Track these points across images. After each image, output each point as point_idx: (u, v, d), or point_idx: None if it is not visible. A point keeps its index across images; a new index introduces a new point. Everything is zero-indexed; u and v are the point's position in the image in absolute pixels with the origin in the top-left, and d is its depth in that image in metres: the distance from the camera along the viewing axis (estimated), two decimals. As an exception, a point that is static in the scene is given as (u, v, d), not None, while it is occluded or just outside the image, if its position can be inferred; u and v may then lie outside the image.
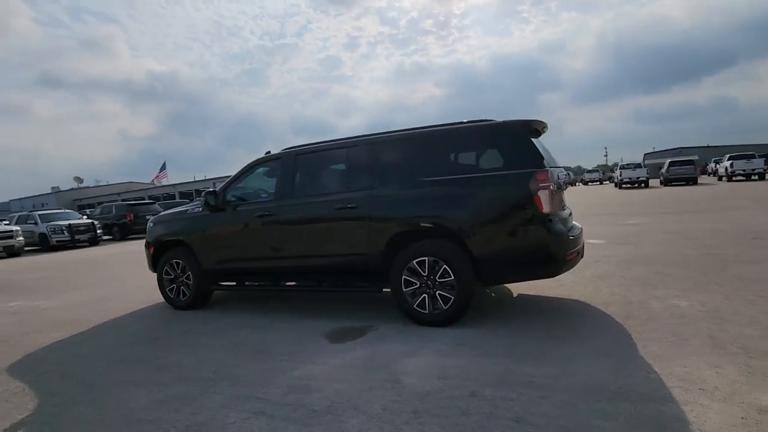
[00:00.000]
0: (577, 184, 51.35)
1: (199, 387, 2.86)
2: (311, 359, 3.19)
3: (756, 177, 25.08)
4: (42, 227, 16.42)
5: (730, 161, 25.71)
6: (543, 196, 3.35)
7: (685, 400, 2.22)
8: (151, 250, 5.23)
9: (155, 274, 5.21)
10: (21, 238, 15.30)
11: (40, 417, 2.63)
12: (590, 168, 62.08)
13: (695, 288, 4.21)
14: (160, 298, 5.26)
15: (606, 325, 3.41)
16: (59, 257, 13.25)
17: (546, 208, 3.36)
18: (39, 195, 65.62)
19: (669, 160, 27.10)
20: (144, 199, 35.01)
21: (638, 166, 27.77)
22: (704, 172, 39.09)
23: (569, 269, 3.68)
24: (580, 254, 3.82)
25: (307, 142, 4.73)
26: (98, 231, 17.36)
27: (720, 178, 28.28)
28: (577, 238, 3.71)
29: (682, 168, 25.69)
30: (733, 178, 25.51)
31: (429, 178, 3.72)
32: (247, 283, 4.84)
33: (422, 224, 3.68)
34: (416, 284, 3.70)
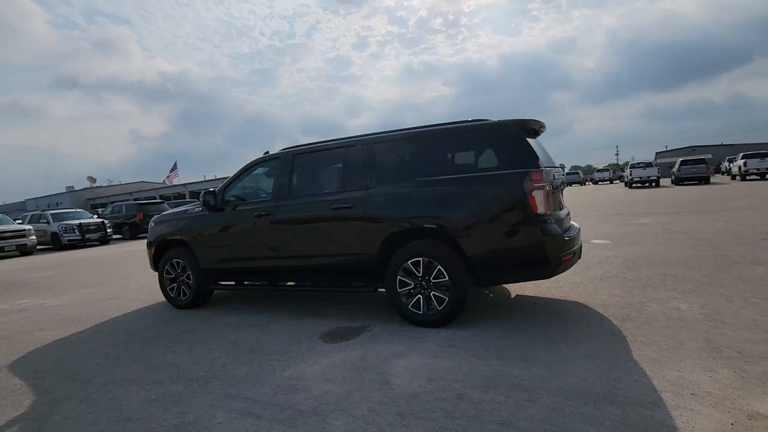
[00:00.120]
0: (586, 183, 50.76)
1: (191, 386, 2.89)
2: (304, 359, 3.20)
3: (771, 176, 24.57)
4: (54, 226, 16.72)
5: (744, 160, 25.21)
6: (537, 196, 3.31)
7: (675, 405, 2.18)
8: (153, 250, 5.29)
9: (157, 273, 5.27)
10: (33, 237, 15.59)
11: (32, 414, 2.67)
12: (601, 167, 61.27)
13: (697, 290, 4.13)
14: (163, 297, 5.32)
15: (602, 327, 3.36)
16: (69, 256, 13.47)
17: (540, 209, 3.32)
18: (54, 194, 66.89)
19: (680, 159, 26.65)
20: (155, 198, 35.49)
21: (649, 165, 27.34)
22: (718, 171, 38.40)
23: (565, 270, 3.63)
24: (576, 255, 3.77)
25: (314, 141, 4.73)
26: (108, 230, 17.63)
27: (733, 177, 27.74)
28: (574, 239, 3.66)
29: (694, 167, 25.24)
30: (747, 178, 25.01)
31: (424, 178, 3.70)
32: (246, 282, 4.87)
33: (416, 224, 3.67)
34: (411, 285, 3.69)
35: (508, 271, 3.52)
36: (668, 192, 20.22)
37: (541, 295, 4.41)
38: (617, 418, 2.11)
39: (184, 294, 5.01)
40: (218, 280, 4.90)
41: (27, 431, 2.49)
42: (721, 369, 2.52)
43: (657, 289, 4.25)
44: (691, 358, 2.70)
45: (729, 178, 29.37)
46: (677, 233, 7.59)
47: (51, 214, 17.67)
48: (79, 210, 20.46)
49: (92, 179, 63.37)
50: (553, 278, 4.63)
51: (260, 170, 4.86)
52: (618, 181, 46.49)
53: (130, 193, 56.35)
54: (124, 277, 7.90)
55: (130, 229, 19.44)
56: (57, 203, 57.72)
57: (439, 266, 3.53)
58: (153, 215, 6.64)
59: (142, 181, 67.52)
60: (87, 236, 16.81)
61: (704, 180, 25.16)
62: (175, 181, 49.83)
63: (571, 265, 3.73)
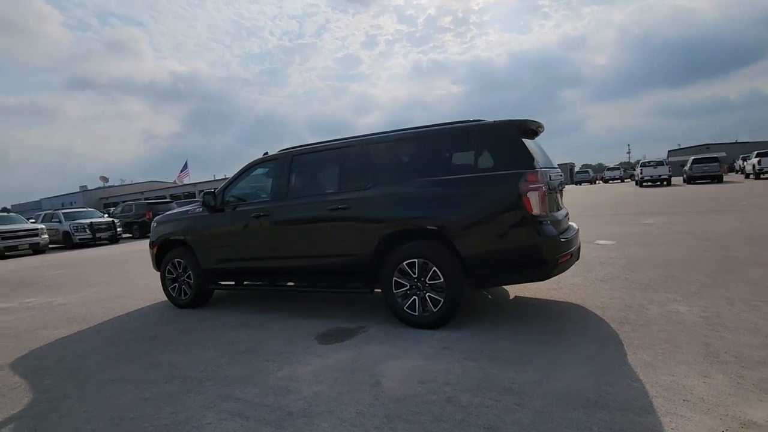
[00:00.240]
0: (596, 182, 50.17)
1: (185, 386, 2.92)
2: (297, 360, 3.21)
3: (786, 175, 24.03)
4: (65, 225, 17.02)
5: (758, 158, 24.67)
6: (532, 197, 3.28)
7: (666, 410, 2.15)
8: (155, 250, 5.35)
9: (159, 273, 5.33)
10: (46, 235, 15.88)
11: (30, 413, 2.72)
12: (612, 165, 60.49)
13: (699, 292, 4.06)
14: (165, 297, 5.38)
15: (599, 330, 3.32)
16: (80, 255, 13.70)
17: (536, 210, 3.29)
18: (67, 194, 68.04)
19: (692, 157, 26.21)
20: (166, 197, 35.92)
21: (660, 163, 26.90)
22: (732, 169, 37.68)
23: (562, 272, 3.60)
24: (574, 257, 3.73)
25: (313, 142, 4.74)
26: (118, 229, 17.90)
27: (747, 176, 27.19)
28: (571, 240, 3.62)
29: (707, 165, 24.79)
30: (762, 176, 24.49)
31: (419, 179, 3.69)
32: (245, 283, 4.91)
33: (411, 225, 3.66)
34: (407, 286, 3.68)
35: (504, 273, 3.50)
36: (679, 191, 19.91)
37: (540, 297, 4.37)
38: (605, 423, 2.08)
39: (185, 294, 5.06)
40: (218, 280, 4.94)
41: (23, 429, 2.54)
42: (716, 374, 2.48)
43: (658, 291, 4.19)
44: (687, 362, 2.65)
45: (743, 176, 28.79)
46: (684, 233, 7.47)
47: (63, 213, 17.99)
48: (90, 209, 20.81)
49: (105, 179, 64.38)
50: (553, 279, 4.59)
51: (260, 171, 4.89)
52: (629, 179, 45.88)
53: (142, 193, 57.08)
54: (130, 277, 8.02)
55: (139, 228, 19.70)
56: (71, 202, 58.70)
57: (435, 267, 3.52)
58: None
59: (153, 181, 68.37)
60: (97, 235, 17.10)
61: (717, 179, 24.71)
62: (186, 181, 50.41)
63: (569, 267, 3.69)
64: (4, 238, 14.72)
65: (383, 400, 2.48)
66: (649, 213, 11.37)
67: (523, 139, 3.52)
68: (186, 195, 49.02)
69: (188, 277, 5.01)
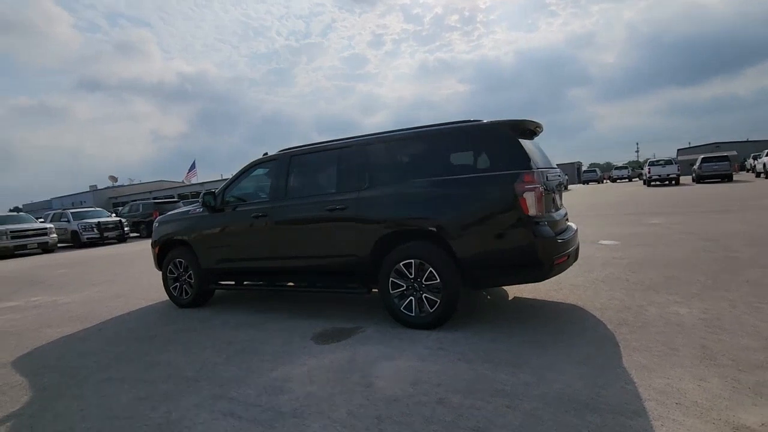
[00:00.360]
0: (604, 181, 49.72)
1: (180, 385, 2.94)
2: (292, 360, 3.22)
3: (797, 174, 23.63)
4: (74, 225, 17.24)
5: (769, 157, 24.31)
6: (528, 198, 3.25)
7: (658, 414, 2.12)
8: (157, 250, 5.40)
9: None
10: (54, 235, 16.10)
11: (27, 411, 2.76)
12: (620, 165, 59.90)
13: (701, 293, 4.01)
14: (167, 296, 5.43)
15: (595, 332, 3.29)
16: (88, 254, 13.87)
17: (532, 211, 3.26)
18: (77, 193, 68.87)
19: (702, 156, 25.86)
20: (174, 197, 36.20)
21: (668, 162, 26.57)
22: (743, 168, 37.15)
23: (559, 273, 3.57)
24: (572, 258, 3.70)
25: (312, 143, 4.75)
26: (126, 228, 18.09)
27: (758, 175, 26.76)
28: (568, 241, 3.59)
29: (716, 164, 24.44)
30: (773, 175, 24.11)
31: (415, 180, 3.69)
32: (245, 282, 4.94)
33: (407, 226, 3.66)
34: (403, 286, 3.68)
35: (500, 274, 3.48)
36: (687, 190, 19.67)
37: (539, 298, 4.34)
38: (595, 426, 2.06)
39: (186, 293, 5.10)
40: (218, 279, 4.97)
41: (21, 427, 2.57)
42: (712, 377, 2.44)
43: (659, 292, 4.14)
44: (683, 365, 2.62)
45: (753, 175, 28.35)
46: (689, 234, 7.38)
47: (71, 213, 18.22)
48: (98, 209, 21.03)
49: (114, 178, 65.02)
50: (554, 280, 4.57)
51: (259, 171, 4.91)
52: (637, 179, 45.41)
53: (150, 192, 57.59)
54: (133, 276, 8.10)
55: (146, 228, 19.86)
56: (81, 202, 59.39)
57: (431, 268, 3.52)
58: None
59: (162, 180, 68.95)
60: (105, 234, 17.30)
61: (727, 178, 24.35)
62: (194, 180, 50.76)
63: (566, 268, 3.66)
64: (13, 237, 14.95)
65: (375, 401, 2.48)
66: (655, 213, 11.25)
67: (521, 140, 3.50)
68: (194, 194, 49.31)
69: (189, 276, 5.04)
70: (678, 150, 60.01)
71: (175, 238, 5.19)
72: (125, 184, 67.70)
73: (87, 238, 16.97)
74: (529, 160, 3.35)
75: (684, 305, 3.71)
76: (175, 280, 5.17)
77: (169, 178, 68.40)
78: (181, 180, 54.99)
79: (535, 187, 3.27)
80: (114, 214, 21.09)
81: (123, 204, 42.76)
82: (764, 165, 24.58)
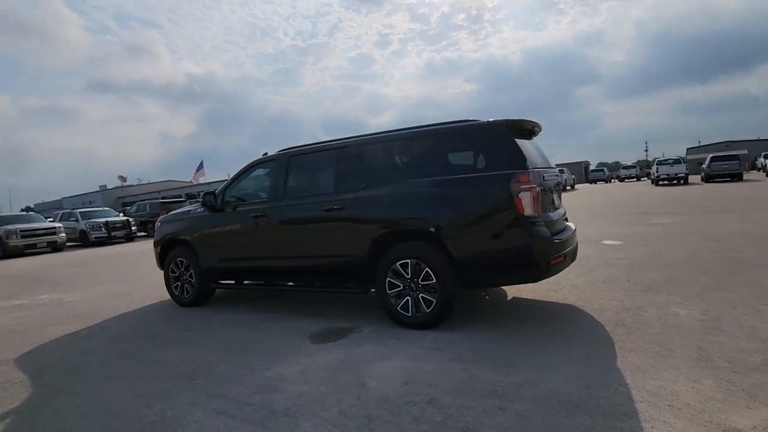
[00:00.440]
0: (612, 180, 49.26)
1: (177, 383, 2.97)
2: (288, 359, 3.24)
3: (809, 172, 23.25)
4: (82, 224, 17.47)
5: (781, 155, 23.95)
6: (524, 197, 3.24)
7: (648, 416, 2.11)
8: (158, 249, 5.46)
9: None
10: (63, 234, 16.32)
11: (27, 407, 2.81)
12: (629, 164, 59.31)
13: (701, 294, 3.97)
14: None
15: (592, 333, 3.27)
16: (95, 252, 14.04)
17: (527, 211, 3.25)
18: (87, 193, 69.73)
19: (711, 155, 25.53)
20: (181, 196, 36.48)
21: (677, 161, 26.26)
22: (754, 167, 36.62)
23: (556, 274, 3.55)
24: (569, 258, 3.68)
25: (312, 143, 4.76)
26: (133, 228, 18.29)
27: (769, 174, 26.41)
28: (566, 241, 3.57)
29: (726, 163, 24.12)
30: (784, 174, 23.76)
31: (412, 180, 3.69)
32: (245, 282, 4.98)
33: (403, 226, 3.66)
34: (400, 286, 3.68)
35: (496, 274, 3.47)
36: (695, 190, 19.44)
37: (538, 298, 4.33)
38: (584, 428, 2.05)
39: (187, 292, 5.15)
40: (219, 279, 5.01)
41: (19, 422, 2.62)
42: (706, 379, 2.42)
43: (659, 293, 4.11)
44: (677, 367, 2.60)
45: (765, 174, 27.94)
46: (693, 234, 7.30)
47: (80, 212, 18.46)
48: (106, 208, 21.30)
49: (123, 178, 65.71)
50: (553, 280, 4.56)
51: (259, 171, 4.94)
52: (645, 178, 44.94)
53: (158, 192, 58.11)
54: (139, 275, 8.19)
55: (153, 227, 20.10)
56: (90, 201, 60.10)
57: (427, 268, 3.52)
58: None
59: (170, 180, 69.55)
60: (113, 234, 17.50)
61: (736, 177, 24.04)
62: (201, 180, 51.14)
63: (563, 269, 3.65)
64: (24, 237, 15.17)
65: (366, 401, 2.50)
66: (661, 213, 11.14)
67: (518, 140, 3.49)
68: (200, 194, 49.62)
69: (190, 276, 5.09)
70: (687, 149, 59.33)
71: (176, 237, 5.25)
72: (134, 184, 68.40)
73: (95, 238, 17.18)
74: (525, 160, 3.34)
75: (683, 306, 3.68)
76: (177, 279, 5.22)
77: (177, 178, 69.02)
78: (189, 180, 55.40)
79: (531, 187, 3.26)
80: (122, 214, 21.31)
81: (131, 203, 43.25)
82: (775, 164, 24.24)
